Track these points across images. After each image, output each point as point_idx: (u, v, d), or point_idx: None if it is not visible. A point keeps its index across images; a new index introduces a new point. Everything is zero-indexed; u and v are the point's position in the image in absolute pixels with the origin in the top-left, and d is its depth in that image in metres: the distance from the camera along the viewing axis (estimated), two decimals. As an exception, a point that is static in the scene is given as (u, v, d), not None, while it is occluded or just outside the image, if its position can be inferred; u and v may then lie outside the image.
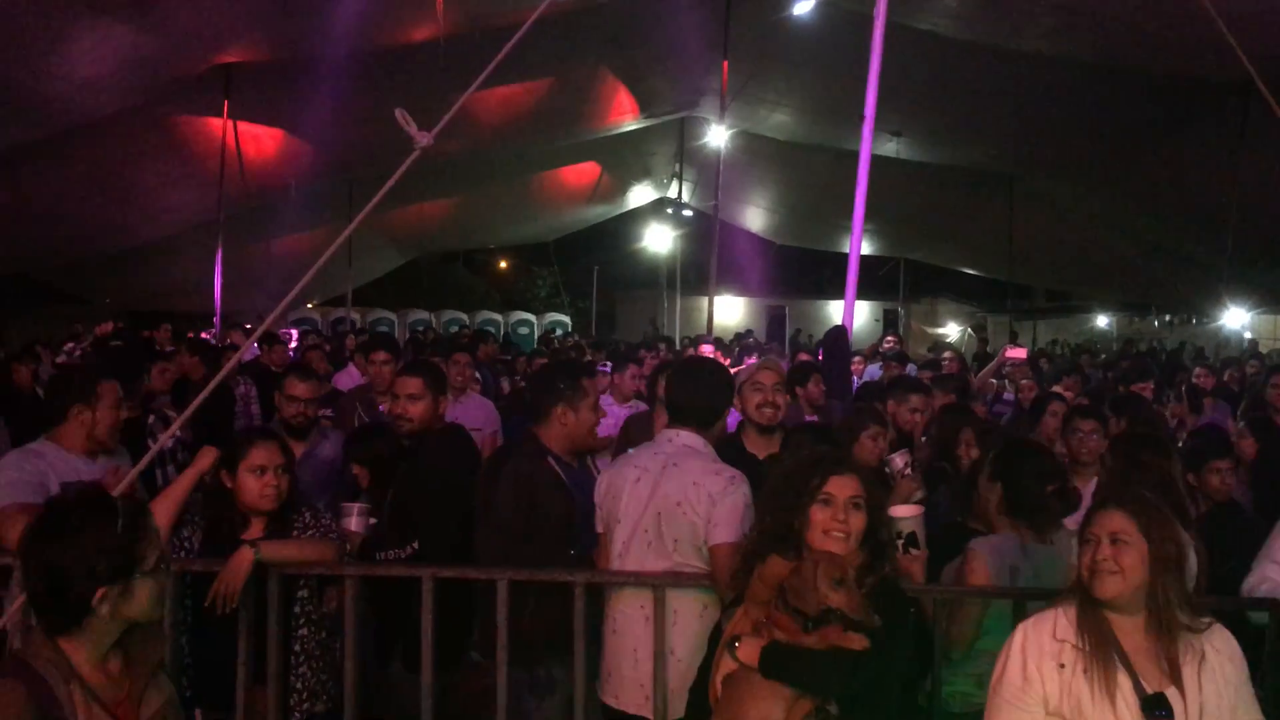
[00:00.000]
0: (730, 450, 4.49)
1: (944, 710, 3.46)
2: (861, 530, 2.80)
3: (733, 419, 5.57)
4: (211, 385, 4.45)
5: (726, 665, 2.72)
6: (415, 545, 4.05)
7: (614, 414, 6.82)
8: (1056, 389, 9.30)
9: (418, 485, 4.26)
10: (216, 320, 14.47)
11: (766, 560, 2.78)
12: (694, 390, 3.73)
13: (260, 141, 14.60)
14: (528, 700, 3.83)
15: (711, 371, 3.94)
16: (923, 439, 5.59)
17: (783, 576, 2.73)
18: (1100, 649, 2.57)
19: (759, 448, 4.61)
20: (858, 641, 2.61)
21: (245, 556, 3.51)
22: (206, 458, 3.82)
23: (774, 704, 2.62)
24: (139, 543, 2.31)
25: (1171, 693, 2.54)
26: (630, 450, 3.91)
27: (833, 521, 2.78)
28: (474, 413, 6.78)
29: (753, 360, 9.81)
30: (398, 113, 3.67)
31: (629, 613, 3.58)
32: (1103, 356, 17.89)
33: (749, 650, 2.66)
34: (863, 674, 2.63)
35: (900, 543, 3.62)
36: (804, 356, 10.80)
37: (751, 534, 2.97)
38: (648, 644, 3.51)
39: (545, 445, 3.96)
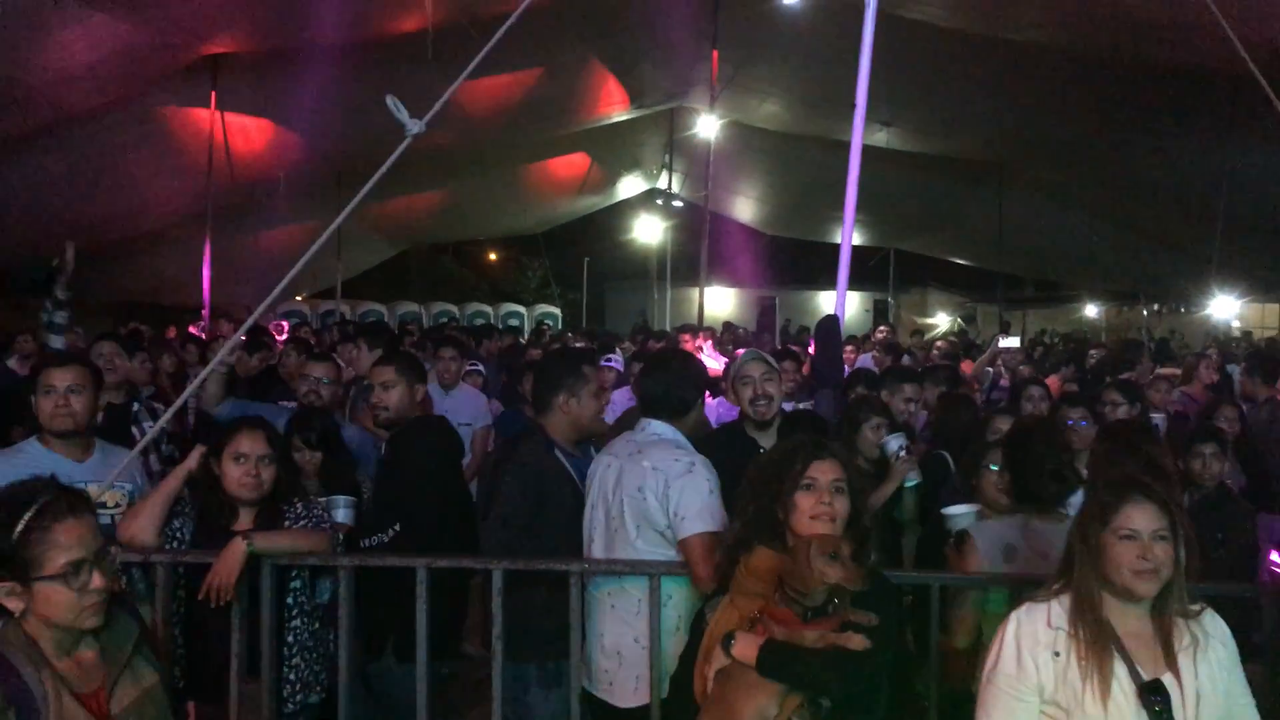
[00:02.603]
0: (732, 435, 4.57)
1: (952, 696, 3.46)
2: (846, 515, 2.81)
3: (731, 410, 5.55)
4: (202, 377, 4.45)
5: (719, 660, 2.71)
6: (396, 527, 4.05)
7: (617, 404, 6.82)
8: (1054, 378, 9.36)
9: (397, 473, 4.28)
10: (205, 313, 14.42)
11: (754, 552, 2.78)
12: (661, 382, 3.82)
13: (248, 133, 14.51)
14: (536, 692, 3.87)
15: (680, 363, 4.02)
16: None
17: (772, 568, 2.72)
18: (1097, 637, 2.56)
19: (762, 438, 4.55)
20: (857, 642, 2.60)
21: (238, 549, 3.50)
22: (195, 455, 3.81)
23: (768, 699, 2.62)
24: (27, 546, 2.22)
25: (1167, 678, 2.54)
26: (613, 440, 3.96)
27: (818, 506, 2.78)
28: (465, 407, 6.76)
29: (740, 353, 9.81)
30: (389, 99, 3.65)
31: (593, 601, 3.67)
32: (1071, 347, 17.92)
33: (745, 647, 2.64)
34: (861, 674, 2.63)
35: (951, 540, 3.66)
36: (794, 347, 10.80)
37: (734, 525, 2.96)
38: (611, 633, 3.60)
39: (550, 437, 3.97)
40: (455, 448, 4.63)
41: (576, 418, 4.00)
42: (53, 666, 2.25)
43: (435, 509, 4.19)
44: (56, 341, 5.14)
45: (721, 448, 4.28)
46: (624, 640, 3.58)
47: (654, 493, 3.49)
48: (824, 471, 2.82)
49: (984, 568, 3.46)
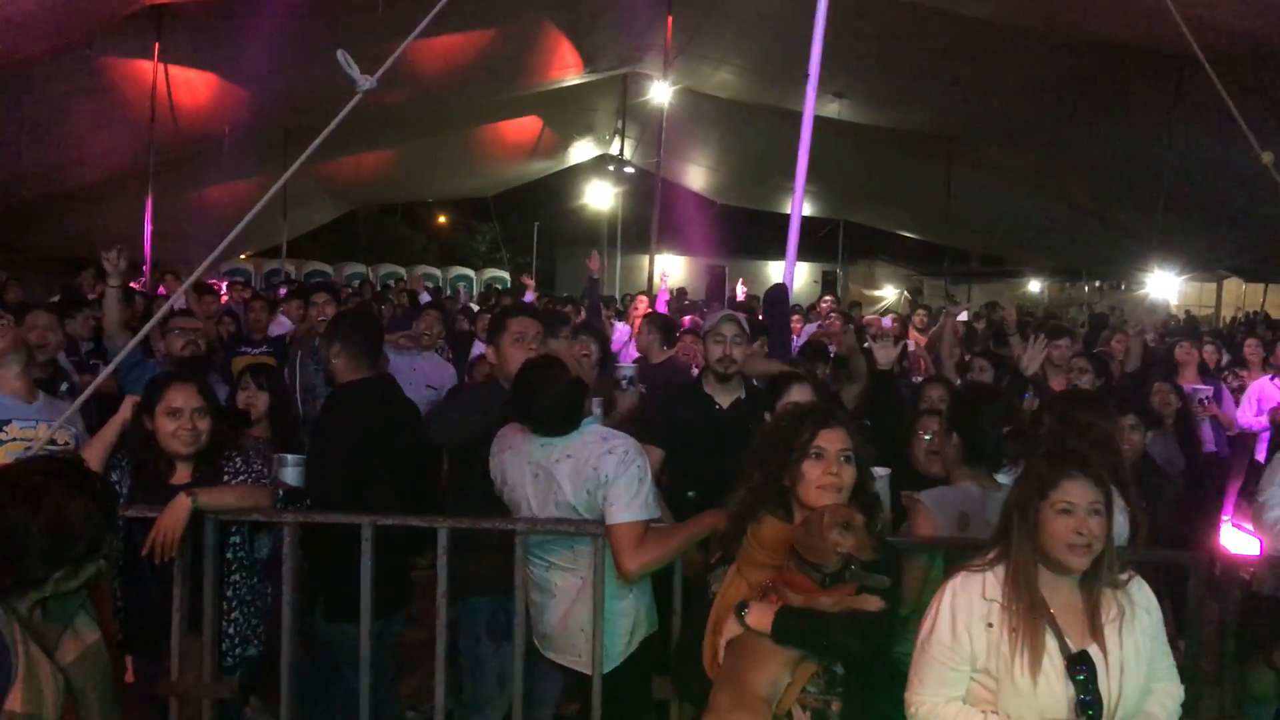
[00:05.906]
0: (691, 394, 4.71)
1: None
2: (852, 484, 2.79)
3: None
4: (142, 333, 4.37)
5: (730, 630, 2.69)
6: (308, 502, 4.07)
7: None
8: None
9: (314, 436, 4.37)
10: (146, 269, 14.14)
11: (761, 521, 2.77)
12: (543, 400, 3.49)
13: (193, 86, 14.19)
14: (486, 644, 3.88)
15: (555, 379, 3.51)
16: None
17: (781, 538, 2.71)
18: (1030, 611, 2.59)
19: (720, 395, 4.65)
20: (873, 603, 2.61)
21: (183, 505, 3.46)
22: (128, 406, 3.78)
23: (781, 668, 2.61)
24: (109, 533, 2.30)
25: (1093, 649, 2.60)
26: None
27: (825, 475, 2.76)
28: (433, 371, 6.85)
29: (688, 320, 9.95)
30: (339, 54, 3.59)
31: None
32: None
33: (759, 616, 2.63)
34: (878, 636, 2.64)
35: None
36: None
37: (739, 493, 2.92)
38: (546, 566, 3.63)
39: (503, 384, 4.15)
40: (389, 411, 4.38)
41: (499, 367, 4.25)
42: (19, 615, 2.24)
43: (344, 474, 4.16)
44: None
45: (677, 402, 4.69)
46: (561, 575, 3.60)
47: (597, 470, 3.38)
48: (832, 440, 2.79)
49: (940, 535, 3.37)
